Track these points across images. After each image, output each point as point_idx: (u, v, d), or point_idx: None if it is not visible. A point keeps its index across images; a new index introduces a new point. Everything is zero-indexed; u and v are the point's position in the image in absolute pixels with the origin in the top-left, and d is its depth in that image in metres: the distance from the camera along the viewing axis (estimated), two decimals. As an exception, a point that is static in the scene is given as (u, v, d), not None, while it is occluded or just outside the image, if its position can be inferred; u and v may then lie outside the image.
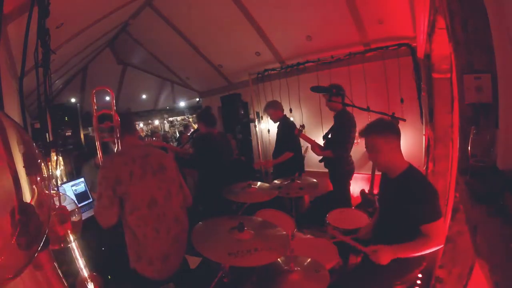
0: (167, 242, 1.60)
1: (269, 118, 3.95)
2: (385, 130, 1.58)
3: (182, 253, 1.72)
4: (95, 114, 1.84)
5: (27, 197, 0.87)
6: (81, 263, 1.72)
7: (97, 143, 1.85)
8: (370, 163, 3.25)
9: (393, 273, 1.60)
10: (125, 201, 1.52)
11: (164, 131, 10.79)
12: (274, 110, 3.53)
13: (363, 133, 1.66)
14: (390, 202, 1.71)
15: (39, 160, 0.95)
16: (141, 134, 8.78)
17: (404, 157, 1.65)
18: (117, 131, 1.71)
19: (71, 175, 3.47)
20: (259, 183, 2.61)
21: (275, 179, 2.91)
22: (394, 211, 1.65)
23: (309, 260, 1.68)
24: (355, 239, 1.76)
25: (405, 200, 1.54)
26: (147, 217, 1.55)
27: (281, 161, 3.44)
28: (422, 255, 1.54)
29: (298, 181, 2.57)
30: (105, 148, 1.96)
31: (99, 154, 1.89)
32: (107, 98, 2.02)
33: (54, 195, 1.41)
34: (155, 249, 1.56)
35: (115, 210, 1.51)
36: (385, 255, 1.51)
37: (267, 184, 2.64)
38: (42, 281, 1.37)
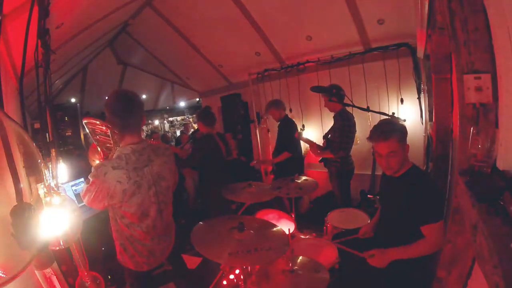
0: (153, 244, 1.62)
1: (269, 117, 3.95)
2: (402, 133, 1.57)
3: (169, 249, 1.74)
4: (94, 138, 1.61)
5: (27, 197, 0.87)
6: (81, 263, 1.73)
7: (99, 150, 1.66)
8: (370, 163, 3.24)
9: (393, 272, 1.60)
10: (115, 210, 1.52)
11: (164, 131, 10.79)
12: (277, 110, 3.53)
13: (378, 137, 1.57)
14: (393, 200, 1.71)
15: (39, 160, 0.95)
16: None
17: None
18: (114, 137, 1.52)
19: (71, 175, 3.47)
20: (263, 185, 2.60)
21: (275, 179, 2.91)
22: (396, 209, 1.65)
23: (309, 260, 1.68)
24: (353, 241, 1.77)
25: (407, 199, 1.54)
26: (136, 226, 1.55)
27: (279, 161, 3.45)
28: (423, 257, 1.54)
29: (298, 181, 2.57)
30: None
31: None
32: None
33: (54, 195, 1.41)
34: (141, 248, 1.59)
35: (102, 206, 1.49)
36: (382, 259, 1.53)
37: (267, 184, 2.64)
38: (42, 281, 1.37)
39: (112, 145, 1.53)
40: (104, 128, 1.49)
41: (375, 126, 1.66)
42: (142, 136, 1.63)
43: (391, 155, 1.55)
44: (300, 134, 3.13)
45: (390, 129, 1.56)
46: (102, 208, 1.52)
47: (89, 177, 1.44)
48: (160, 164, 1.59)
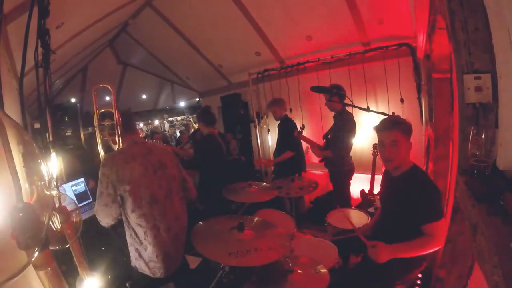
0: (168, 241, 1.62)
1: (269, 117, 3.95)
2: (407, 127, 1.60)
3: (182, 252, 1.73)
4: (96, 112, 1.82)
5: (27, 197, 0.87)
6: (81, 263, 1.72)
7: (99, 142, 1.84)
8: (370, 163, 3.25)
9: (393, 273, 1.60)
10: (126, 200, 1.53)
11: (164, 131, 10.79)
12: (279, 108, 3.53)
13: (384, 126, 1.62)
14: (393, 200, 1.71)
15: (39, 160, 0.95)
16: (141, 134, 8.79)
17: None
18: (118, 128, 1.72)
19: (71, 175, 3.47)
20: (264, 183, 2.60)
21: (275, 179, 2.91)
22: (396, 209, 1.65)
23: (309, 260, 1.68)
24: (353, 242, 1.76)
25: (408, 198, 1.54)
26: (148, 216, 1.56)
27: (282, 160, 3.44)
28: (422, 255, 1.55)
29: (298, 181, 2.57)
30: (108, 148, 1.95)
31: (101, 152, 1.87)
32: (107, 98, 2.01)
33: (54, 195, 1.41)
34: (156, 247, 1.58)
35: (115, 208, 1.53)
36: (383, 253, 1.51)
37: (267, 184, 2.64)
38: (42, 281, 1.37)
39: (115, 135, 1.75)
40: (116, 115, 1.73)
41: (383, 119, 1.71)
42: (142, 135, 1.76)
43: (393, 144, 1.57)
44: (299, 133, 3.13)
45: (397, 121, 1.64)
46: (116, 215, 1.55)
47: (99, 176, 1.53)
48: (160, 153, 1.72)
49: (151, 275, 1.60)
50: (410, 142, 1.61)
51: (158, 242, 1.58)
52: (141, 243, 1.57)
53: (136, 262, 1.62)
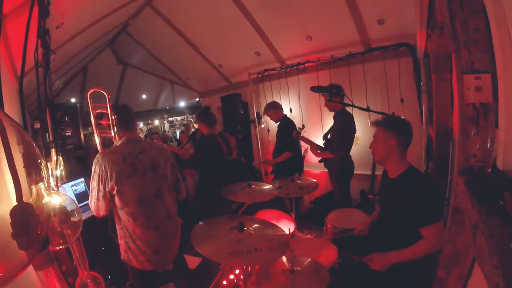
0: (156, 238, 1.64)
1: (269, 118, 3.96)
2: (393, 129, 1.62)
3: (175, 248, 1.74)
4: (92, 113, 1.87)
5: (27, 197, 0.87)
6: (81, 263, 1.73)
7: (97, 141, 1.87)
8: (370, 163, 3.24)
9: (393, 273, 1.60)
10: (115, 197, 1.58)
11: (164, 131, 10.79)
12: (274, 111, 3.54)
13: (375, 123, 1.74)
14: (390, 202, 1.71)
15: (39, 160, 0.95)
16: (141, 134, 8.78)
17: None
18: (114, 128, 1.74)
19: (71, 175, 3.47)
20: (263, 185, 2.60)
21: (275, 180, 2.90)
22: (393, 211, 1.65)
23: (309, 260, 1.68)
24: (351, 238, 1.78)
25: (404, 201, 1.54)
26: (135, 214, 1.59)
27: (281, 161, 3.44)
28: (423, 257, 1.55)
29: (298, 181, 2.57)
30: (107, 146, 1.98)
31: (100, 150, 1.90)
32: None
33: (54, 195, 1.41)
34: (144, 243, 1.61)
35: (105, 202, 1.58)
36: (381, 263, 1.54)
37: (267, 184, 2.64)
38: (42, 281, 1.37)
39: (107, 134, 1.78)
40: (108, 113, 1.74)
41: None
42: (142, 136, 1.76)
43: (373, 140, 1.72)
44: (298, 133, 3.13)
45: (386, 119, 1.72)
46: (107, 208, 1.59)
47: (91, 172, 1.57)
48: (154, 154, 1.72)
49: (138, 268, 1.62)
50: (394, 143, 1.60)
51: (146, 238, 1.61)
52: (130, 236, 1.61)
53: (125, 254, 1.65)
